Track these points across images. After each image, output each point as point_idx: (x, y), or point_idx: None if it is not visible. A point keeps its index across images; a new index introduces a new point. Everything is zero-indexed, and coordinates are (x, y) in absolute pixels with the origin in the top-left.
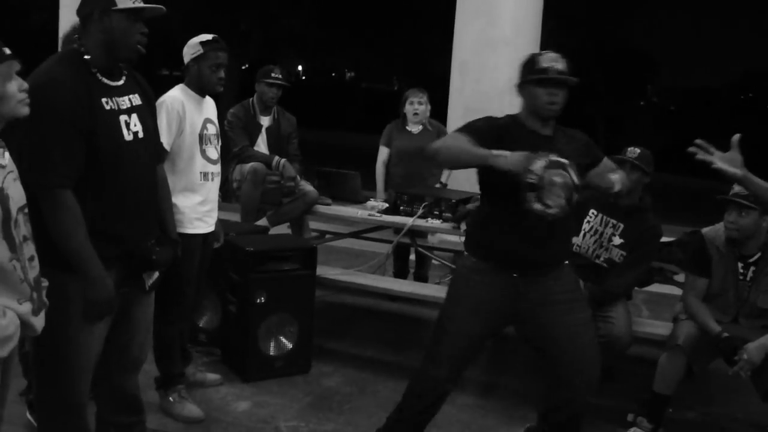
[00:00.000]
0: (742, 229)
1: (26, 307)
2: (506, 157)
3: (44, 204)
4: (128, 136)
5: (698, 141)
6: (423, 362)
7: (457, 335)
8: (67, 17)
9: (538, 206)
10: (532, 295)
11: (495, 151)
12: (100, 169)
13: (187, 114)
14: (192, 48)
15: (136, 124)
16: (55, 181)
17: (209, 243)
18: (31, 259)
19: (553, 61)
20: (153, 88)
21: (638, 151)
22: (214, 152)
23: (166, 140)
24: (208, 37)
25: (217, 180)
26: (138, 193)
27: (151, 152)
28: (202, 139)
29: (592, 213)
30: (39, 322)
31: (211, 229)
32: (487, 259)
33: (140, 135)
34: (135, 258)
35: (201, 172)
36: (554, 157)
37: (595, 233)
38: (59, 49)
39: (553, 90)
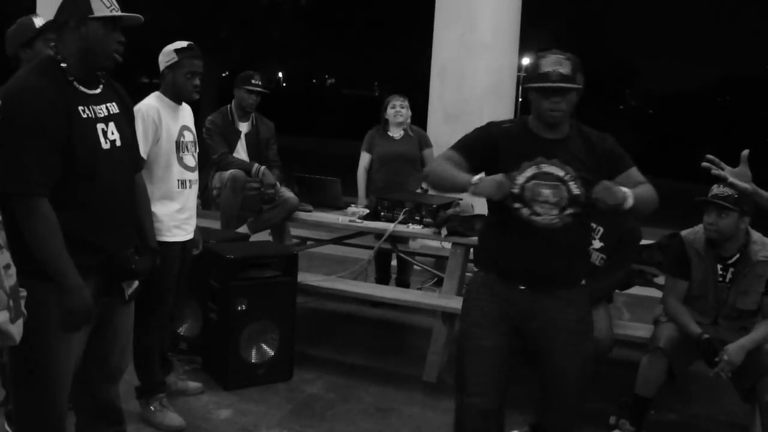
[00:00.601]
0: (722, 230)
1: (3, 316)
2: (478, 185)
3: (19, 212)
4: (105, 145)
5: (709, 157)
6: (456, 394)
7: (475, 352)
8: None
9: (525, 212)
10: (543, 316)
11: (474, 178)
12: (77, 178)
13: (163, 121)
14: (167, 56)
15: (113, 132)
16: (29, 189)
17: (188, 250)
18: (7, 267)
19: (555, 65)
20: (132, 97)
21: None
22: (191, 159)
23: (142, 148)
24: (183, 44)
25: (195, 187)
26: (116, 202)
27: (129, 161)
28: (179, 146)
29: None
30: (16, 330)
31: (190, 236)
32: (491, 270)
33: (118, 143)
34: (114, 267)
35: (178, 180)
36: (546, 167)
37: None
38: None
39: (554, 98)
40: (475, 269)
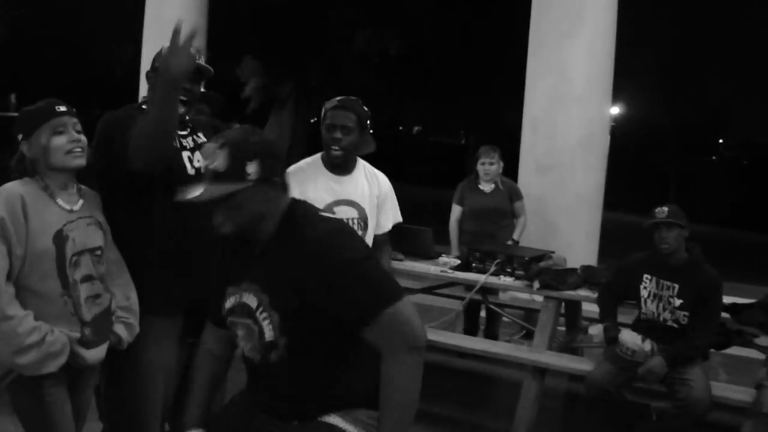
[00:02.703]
0: None
1: (75, 337)
2: None
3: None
4: (191, 170)
5: None
6: None
7: None
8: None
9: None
10: None
11: None
12: (166, 201)
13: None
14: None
15: (199, 160)
16: None
17: None
18: (96, 296)
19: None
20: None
21: (666, 209)
22: None
23: None
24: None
25: None
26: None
27: None
28: None
29: (647, 278)
30: (92, 354)
31: None
32: None
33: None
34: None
35: None
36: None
37: (656, 297)
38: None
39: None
40: None
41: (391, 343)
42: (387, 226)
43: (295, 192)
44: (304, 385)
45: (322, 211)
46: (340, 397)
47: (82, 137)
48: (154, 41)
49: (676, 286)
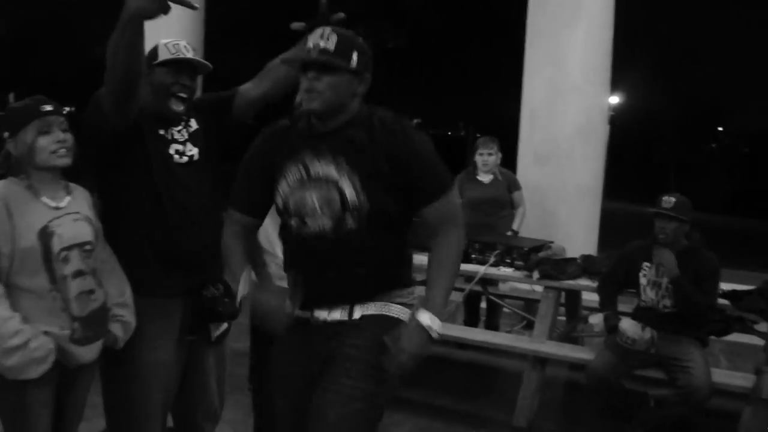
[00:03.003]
0: None
1: (66, 335)
2: None
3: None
4: (180, 159)
5: None
6: None
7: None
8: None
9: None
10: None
11: None
12: (156, 192)
13: None
14: None
15: (191, 149)
16: None
17: None
18: (90, 292)
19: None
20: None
21: (673, 200)
22: None
23: None
24: None
25: None
26: (199, 214)
27: (207, 174)
28: None
29: (646, 266)
30: (85, 352)
31: None
32: None
33: (195, 158)
34: (203, 308)
35: None
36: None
37: (655, 285)
38: None
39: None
40: None
41: (447, 220)
42: None
43: None
44: (372, 259)
45: None
46: (399, 277)
47: (69, 136)
48: (149, 37)
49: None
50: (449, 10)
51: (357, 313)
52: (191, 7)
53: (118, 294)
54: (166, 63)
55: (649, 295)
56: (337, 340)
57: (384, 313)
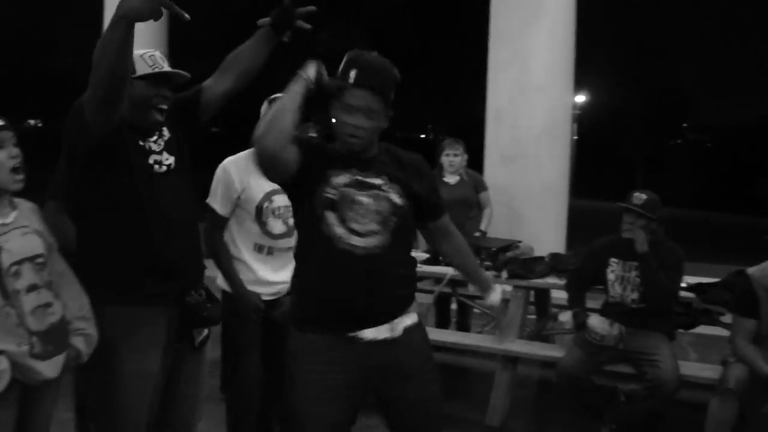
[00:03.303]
0: None
1: (21, 350)
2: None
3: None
4: (160, 169)
5: None
6: None
7: None
8: None
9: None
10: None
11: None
12: (137, 202)
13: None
14: None
15: (167, 158)
16: None
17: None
18: (47, 305)
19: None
20: (201, 146)
21: (644, 197)
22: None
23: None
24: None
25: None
26: (180, 222)
27: (186, 182)
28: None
29: (613, 261)
30: (46, 367)
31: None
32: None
33: (173, 166)
34: (187, 313)
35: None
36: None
37: (623, 280)
38: None
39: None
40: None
41: (450, 224)
42: None
43: (237, 179)
44: (408, 277)
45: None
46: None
47: (19, 152)
48: None
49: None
50: (415, 13)
51: (399, 328)
52: (183, 17)
53: (78, 307)
54: (146, 77)
55: (617, 290)
56: (386, 355)
57: (417, 321)
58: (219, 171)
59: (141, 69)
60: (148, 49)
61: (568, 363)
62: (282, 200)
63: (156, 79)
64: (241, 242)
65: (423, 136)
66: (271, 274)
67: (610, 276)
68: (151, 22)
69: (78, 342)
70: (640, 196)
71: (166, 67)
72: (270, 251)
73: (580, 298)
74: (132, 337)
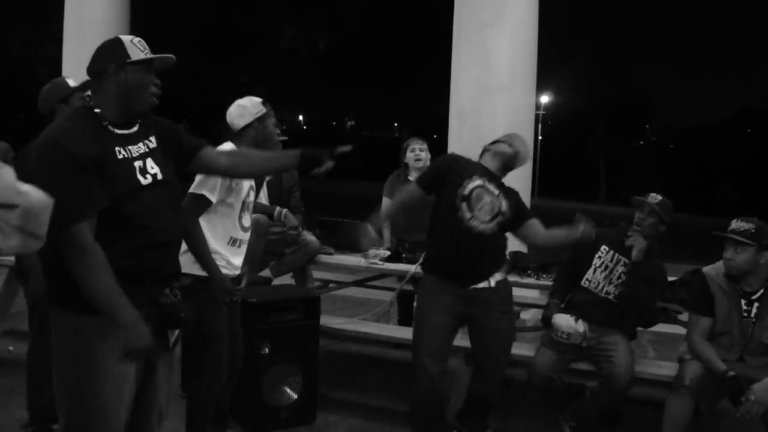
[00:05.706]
0: (738, 265)
1: None
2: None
3: (61, 243)
4: (145, 180)
5: None
6: (413, 355)
7: (429, 326)
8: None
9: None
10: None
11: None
12: (121, 215)
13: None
14: (255, 108)
15: (152, 167)
16: (65, 218)
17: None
18: None
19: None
20: None
21: (660, 197)
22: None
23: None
24: (258, 98)
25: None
26: (161, 232)
27: (172, 192)
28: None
29: (604, 249)
30: None
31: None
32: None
33: (159, 177)
34: (162, 314)
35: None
36: (487, 184)
37: (606, 269)
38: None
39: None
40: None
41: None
42: None
43: None
44: (499, 250)
45: None
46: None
47: None
48: (74, 40)
49: (632, 266)
50: (379, 11)
51: (493, 282)
52: None
53: None
54: (142, 62)
55: (597, 276)
56: (484, 299)
57: (504, 277)
58: None
59: (135, 54)
60: (130, 35)
61: (541, 363)
62: (252, 196)
63: (149, 64)
64: (218, 237)
65: (396, 135)
66: (237, 261)
67: (596, 261)
68: (113, 25)
69: None
70: (656, 196)
71: (152, 54)
72: (240, 244)
73: (563, 289)
74: (108, 336)
